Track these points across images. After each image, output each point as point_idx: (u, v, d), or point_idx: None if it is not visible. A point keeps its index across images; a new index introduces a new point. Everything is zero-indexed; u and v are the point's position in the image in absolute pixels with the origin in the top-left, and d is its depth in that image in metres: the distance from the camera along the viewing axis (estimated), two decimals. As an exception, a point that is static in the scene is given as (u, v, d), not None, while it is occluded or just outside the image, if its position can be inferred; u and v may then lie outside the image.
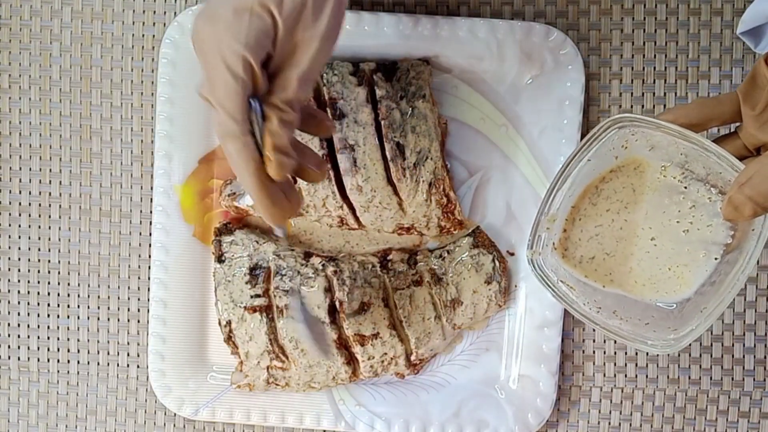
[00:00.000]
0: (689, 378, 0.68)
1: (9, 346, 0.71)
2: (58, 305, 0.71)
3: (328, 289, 0.66)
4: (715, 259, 0.54)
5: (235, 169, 0.48)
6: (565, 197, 0.55)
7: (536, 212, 0.55)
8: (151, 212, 0.69)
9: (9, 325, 0.71)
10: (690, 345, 0.68)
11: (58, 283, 0.71)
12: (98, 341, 0.71)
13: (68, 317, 0.71)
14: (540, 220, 0.55)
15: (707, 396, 0.69)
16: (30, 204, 0.70)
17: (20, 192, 0.70)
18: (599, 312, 0.55)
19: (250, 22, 0.45)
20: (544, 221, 0.56)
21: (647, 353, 0.68)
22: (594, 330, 0.69)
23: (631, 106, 0.67)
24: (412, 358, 0.67)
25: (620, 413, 0.69)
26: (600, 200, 0.56)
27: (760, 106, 0.50)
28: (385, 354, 0.66)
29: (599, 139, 0.53)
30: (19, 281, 0.71)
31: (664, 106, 0.67)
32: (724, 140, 0.54)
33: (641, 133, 0.53)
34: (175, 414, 0.70)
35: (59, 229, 0.70)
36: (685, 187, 0.54)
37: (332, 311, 0.66)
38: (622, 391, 0.69)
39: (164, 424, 0.71)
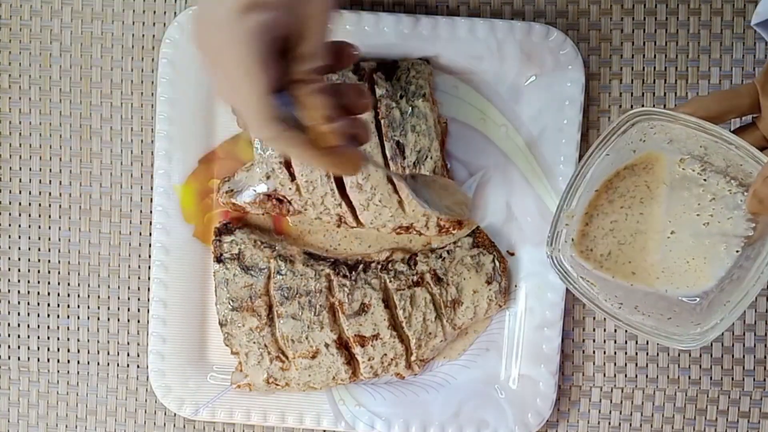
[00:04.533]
0: (689, 378, 0.68)
1: (9, 346, 0.71)
2: (58, 305, 0.71)
3: (329, 290, 0.66)
4: (736, 251, 0.53)
5: (295, 158, 0.47)
6: (583, 193, 0.55)
7: (555, 208, 0.55)
8: (151, 212, 0.69)
9: (9, 325, 0.71)
10: (690, 345, 0.68)
11: (58, 283, 0.71)
12: (98, 341, 0.71)
13: (68, 317, 0.71)
14: (560, 217, 0.55)
15: (707, 396, 0.69)
16: (30, 204, 0.70)
17: (20, 192, 0.70)
18: (621, 308, 0.55)
19: (253, 18, 0.43)
20: (564, 217, 0.55)
21: (647, 353, 0.68)
22: (594, 330, 0.69)
23: (631, 106, 0.67)
24: (413, 358, 0.67)
25: (620, 413, 0.69)
26: (616, 197, 0.56)
27: None
28: (385, 355, 0.66)
29: (618, 133, 0.53)
30: (19, 281, 0.71)
31: (664, 105, 0.67)
32: (743, 131, 0.54)
33: (660, 126, 0.53)
34: (175, 414, 0.70)
35: (59, 229, 0.70)
36: (705, 180, 0.54)
37: (332, 312, 0.66)
38: (622, 391, 0.69)
39: (164, 424, 0.71)
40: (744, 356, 0.68)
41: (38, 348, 0.71)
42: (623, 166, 0.55)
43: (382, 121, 0.64)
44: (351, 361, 0.67)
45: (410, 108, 0.64)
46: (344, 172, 0.49)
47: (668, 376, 0.69)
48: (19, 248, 0.71)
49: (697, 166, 0.54)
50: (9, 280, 0.71)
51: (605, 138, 0.53)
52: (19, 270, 0.71)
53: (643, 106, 0.67)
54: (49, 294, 0.71)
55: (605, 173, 0.55)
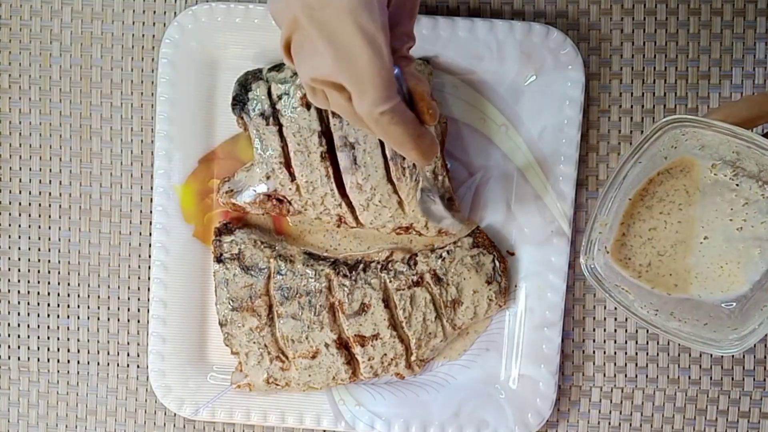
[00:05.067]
0: (689, 378, 0.68)
1: (9, 346, 0.71)
2: (58, 305, 0.71)
3: (329, 290, 0.66)
4: None
5: (394, 139, 0.47)
6: (617, 201, 0.55)
7: (590, 217, 0.55)
8: (151, 212, 0.69)
9: (9, 325, 0.71)
10: (690, 345, 0.68)
11: (58, 283, 0.71)
12: (98, 341, 0.71)
13: (68, 317, 0.71)
14: (594, 226, 0.55)
15: (707, 396, 0.69)
16: (30, 204, 0.70)
17: (20, 192, 0.70)
18: (657, 314, 0.55)
19: None
20: (597, 226, 0.55)
21: (647, 353, 0.68)
22: (594, 330, 0.69)
23: (631, 106, 0.67)
24: (413, 358, 0.67)
25: (620, 413, 0.69)
26: (654, 202, 0.56)
27: None
28: (385, 355, 0.66)
29: (651, 141, 0.52)
30: (19, 281, 0.71)
31: (664, 106, 0.67)
32: None
33: (692, 132, 0.53)
34: (175, 414, 0.70)
35: (59, 229, 0.70)
36: (737, 185, 0.54)
37: (332, 312, 0.66)
38: (622, 391, 0.69)
39: (164, 424, 0.71)
40: (744, 356, 0.68)
41: (38, 348, 0.71)
42: (656, 172, 0.55)
43: (382, 121, 0.64)
44: (351, 361, 0.67)
45: (410, 108, 0.64)
46: (426, 159, 0.49)
47: (668, 376, 0.69)
48: (19, 248, 0.71)
49: (729, 171, 0.54)
50: (9, 280, 0.71)
51: (639, 146, 0.53)
52: (19, 270, 0.71)
53: (642, 106, 0.67)
54: (49, 294, 0.71)
55: (638, 181, 0.55)
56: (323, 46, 0.44)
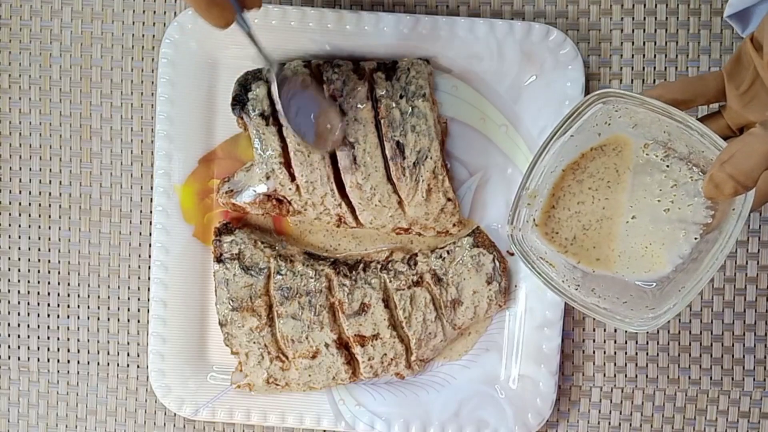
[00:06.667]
0: (689, 378, 0.68)
1: (9, 346, 0.71)
2: (58, 305, 0.71)
3: (329, 290, 0.66)
4: (695, 239, 0.53)
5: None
6: (547, 173, 0.55)
7: (518, 187, 0.55)
8: (151, 212, 0.69)
9: (9, 325, 0.71)
10: (690, 345, 0.68)
11: (58, 283, 0.71)
12: (98, 341, 0.71)
13: (68, 317, 0.71)
14: (520, 196, 0.55)
15: (707, 396, 0.69)
16: (30, 204, 0.70)
17: (20, 192, 0.70)
18: (578, 289, 0.55)
19: None
20: (525, 197, 0.55)
21: (647, 353, 0.68)
22: (594, 330, 0.69)
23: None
24: (413, 358, 0.67)
25: (620, 413, 0.69)
26: (585, 177, 0.55)
27: (744, 85, 0.50)
28: (385, 355, 0.66)
29: (582, 114, 0.52)
30: (19, 281, 0.71)
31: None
32: (708, 119, 0.54)
33: (625, 109, 0.53)
34: (175, 414, 0.70)
35: (59, 229, 0.70)
36: (667, 166, 0.54)
37: (332, 311, 0.66)
38: (622, 391, 0.69)
39: (164, 424, 0.71)
40: (744, 356, 0.68)
41: (38, 348, 0.71)
42: (590, 148, 0.55)
43: (382, 121, 0.64)
44: (351, 361, 0.67)
45: (410, 108, 0.64)
46: (210, 20, 0.50)
47: (668, 376, 0.69)
48: (19, 248, 0.71)
49: (660, 152, 0.54)
50: (9, 280, 0.71)
51: (567, 118, 0.53)
52: (19, 270, 0.71)
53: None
54: (49, 294, 0.71)
55: (570, 155, 0.55)
56: None
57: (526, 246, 0.56)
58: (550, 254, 0.56)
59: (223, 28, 0.52)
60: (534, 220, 0.56)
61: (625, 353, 0.69)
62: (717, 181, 0.45)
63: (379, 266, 0.66)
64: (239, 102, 0.64)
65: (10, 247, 0.71)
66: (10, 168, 0.70)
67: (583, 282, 0.56)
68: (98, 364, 0.71)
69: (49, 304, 0.71)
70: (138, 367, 0.71)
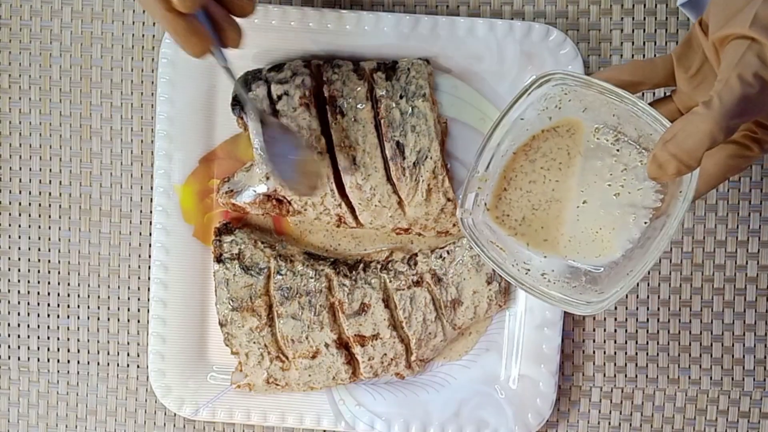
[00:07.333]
0: (689, 378, 0.68)
1: (9, 346, 0.71)
2: (58, 305, 0.71)
3: (329, 290, 0.66)
4: (644, 223, 0.53)
5: (148, 8, 0.50)
6: (497, 156, 0.55)
7: (469, 170, 0.55)
8: (151, 212, 0.69)
9: (9, 325, 0.71)
10: (690, 345, 0.68)
11: (58, 283, 0.71)
12: (98, 341, 0.71)
13: (68, 317, 0.71)
14: (470, 179, 0.55)
15: (707, 396, 0.69)
16: (30, 204, 0.70)
17: (20, 192, 0.70)
18: (527, 273, 0.55)
19: None
20: (475, 180, 0.55)
21: (647, 353, 0.68)
22: (594, 330, 0.69)
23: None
24: (413, 358, 0.67)
25: (620, 413, 0.69)
26: (538, 157, 0.55)
27: (693, 68, 0.50)
28: (385, 355, 0.66)
29: (529, 94, 0.52)
30: (19, 281, 0.71)
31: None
32: (659, 104, 0.54)
33: (574, 92, 0.52)
34: (175, 414, 0.70)
35: (59, 229, 0.70)
36: (618, 150, 0.54)
37: (332, 311, 0.66)
38: (622, 391, 0.69)
39: (164, 424, 0.71)
40: (744, 356, 0.68)
41: (38, 348, 0.71)
42: (541, 129, 0.55)
43: (382, 121, 0.64)
44: (351, 361, 0.67)
45: (410, 108, 0.64)
46: (187, 48, 0.51)
47: (668, 376, 0.69)
48: (19, 248, 0.71)
49: (610, 136, 0.54)
50: (9, 280, 0.71)
51: (515, 99, 0.52)
52: (19, 270, 0.71)
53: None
54: (49, 294, 0.71)
55: (522, 137, 0.55)
56: None
57: (476, 230, 0.55)
58: (500, 238, 0.56)
59: (198, 57, 0.53)
60: (485, 204, 0.56)
61: (625, 353, 0.69)
62: (660, 160, 0.45)
63: (379, 266, 0.66)
64: (239, 102, 0.64)
65: (10, 247, 0.71)
66: (10, 168, 0.70)
67: (533, 266, 0.55)
68: (98, 364, 0.71)
69: (49, 304, 0.71)
70: (138, 367, 0.71)
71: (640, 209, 0.53)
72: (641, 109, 0.50)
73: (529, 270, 0.55)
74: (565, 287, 0.54)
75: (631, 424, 0.69)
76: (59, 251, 0.71)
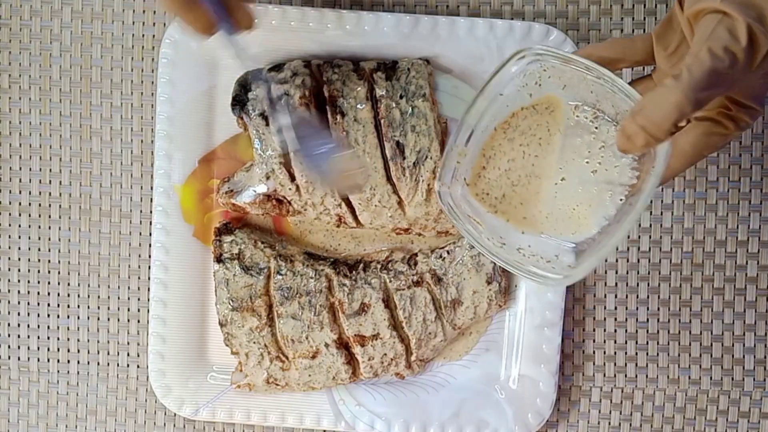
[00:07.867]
0: (689, 378, 0.68)
1: (9, 346, 0.71)
2: (58, 305, 0.71)
3: (329, 290, 0.66)
4: (620, 200, 0.53)
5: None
6: (477, 131, 0.55)
7: (448, 143, 0.55)
8: (151, 212, 0.69)
9: (9, 325, 0.71)
10: (690, 345, 0.68)
11: (58, 283, 0.71)
12: (98, 341, 0.71)
13: (68, 317, 0.71)
14: (449, 153, 0.55)
15: (707, 396, 0.69)
16: (30, 204, 0.70)
17: (20, 192, 0.70)
18: (503, 247, 0.55)
19: None
20: (453, 155, 0.55)
21: (647, 353, 0.68)
22: (594, 330, 0.69)
23: (631, 106, 0.67)
24: (413, 358, 0.67)
25: (620, 413, 0.69)
26: (516, 135, 0.55)
27: (672, 46, 0.50)
28: (385, 355, 0.66)
29: (507, 69, 0.52)
30: (19, 281, 0.71)
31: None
32: (638, 82, 0.54)
33: (553, 69, 0.53)
34: (175, 414, 0.70)
35: (59, 229, 0.70)
36: (596, 128, 0.54)
37: (332, 311, 0.66)
38: (622, 391, 0.69)
39: (164, 424, 0.71)
40: (744, 356, 0.68)
41: (38, 348, 0.71)
42: (521, 107, 0.55)
43: (382, 121, 0.64)
44: (351, 361, 0.67)
45: (410, 108, 0.64)
46: (192, 23, 0.51)
47: (668, 376, 0.69)
48: (19, 248, 0.71)
49: (589, 114, 0.54)
50: (9, 280, 0.71)
51: (493, 75, 0.53)
52: (19, 270, 0.71)
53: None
54: (49, 294, 0.71)
55: (501, 114, 0.55)
56: None
57: (453, 204, 0.56)
58: (479, 213, 0.56)
59: (204, 35, 0.52)
60: (465, 180, 0.56)
61: (625, 353, 0.69)
62: (628, 132, 0.45)
63: (379, 266, 0.66)
64: (239, 102, 0.64)
65: (10, 247, 0.71)
66: (10, 168, 0.70)
67: (509, 241, 0.56)
68: (98, 364, 0.71)
69: (49, 304, 0.71)
70: (138, 367, 0.71)
71: (616, 186, 0.54)
72: (618, 86, 0.50)
73: (504, 244, 0.55)
74: (540, 262, 0.55)
75: (631, 424, 0.69)
76: (59, 251, 0.71)
